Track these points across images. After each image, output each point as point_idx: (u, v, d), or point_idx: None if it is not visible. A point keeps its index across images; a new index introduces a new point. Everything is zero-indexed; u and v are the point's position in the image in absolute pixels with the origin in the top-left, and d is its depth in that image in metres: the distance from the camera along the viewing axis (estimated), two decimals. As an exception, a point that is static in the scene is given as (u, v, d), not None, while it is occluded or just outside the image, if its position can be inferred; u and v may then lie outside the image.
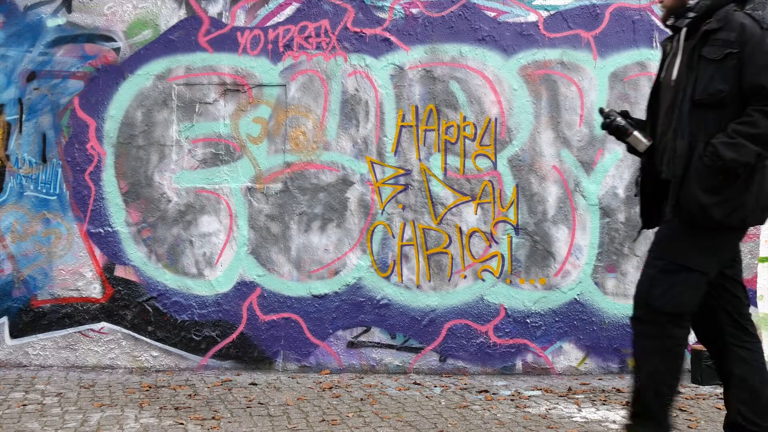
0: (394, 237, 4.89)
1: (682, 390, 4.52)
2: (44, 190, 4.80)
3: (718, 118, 2.90)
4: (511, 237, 4.94)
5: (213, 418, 3.71)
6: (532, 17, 4.95)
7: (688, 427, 3.75)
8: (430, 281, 4.90)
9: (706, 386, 4.65)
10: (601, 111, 3.23)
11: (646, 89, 4.99)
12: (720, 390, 4.54)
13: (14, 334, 4.77)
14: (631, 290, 4.95)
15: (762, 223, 3.11)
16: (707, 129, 2.90)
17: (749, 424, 3.00)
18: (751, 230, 4.99)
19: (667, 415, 3.05)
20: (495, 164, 4.92)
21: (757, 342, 3.10)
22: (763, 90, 2.84)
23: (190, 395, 4.16)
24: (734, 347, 3.06)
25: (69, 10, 4.82)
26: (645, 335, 3.03)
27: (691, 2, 3.03)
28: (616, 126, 3.16)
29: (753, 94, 2.86)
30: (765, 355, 3.12)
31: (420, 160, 4.91)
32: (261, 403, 4.02)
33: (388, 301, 4.89)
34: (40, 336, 4.78)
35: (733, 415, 3.06)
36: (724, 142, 2.85)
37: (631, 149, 3.23)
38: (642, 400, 3.04)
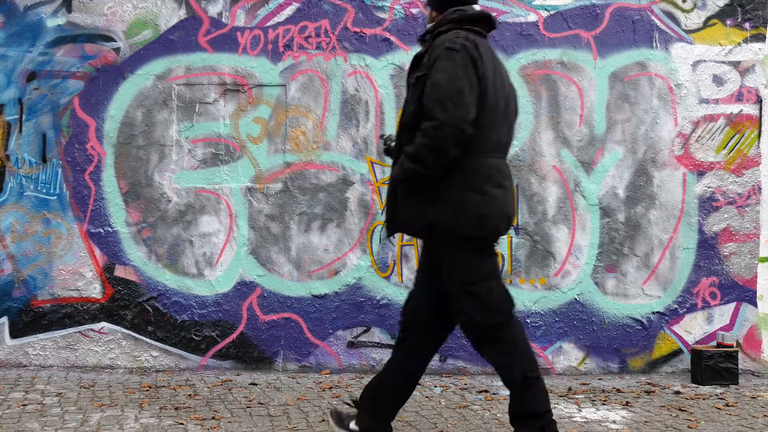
0: (393, 237, 4.89)
1: (682, 390, 4.52)
2: (44, 190, 4.80)
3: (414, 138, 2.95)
4: (511, 237, 4.94)
5: (213, 418, 3.71)
6: (532, 17, 4.95)
7: (689, 427, 3.75)
8: (430, 281, 4.89)
9: (706, 386, 4.65)
10: (381, 136, 3.33)
11: (646, 89, 4.99)
12: (720, 390, 4.55)
13: (14, 334, 4.77)
14: (631, 290, 4.97)
15: (415, 236, 3.25)
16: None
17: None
18: (751, 230, 5.00)
19: None
20: (495, 164, 4.92)
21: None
22: (428, 111, 2.86)
23: (190, 395, 4.16)
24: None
25: (69, 10, 4.82)
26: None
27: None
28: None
29: (424, 115, 2.89)
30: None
31: (420, 160, 4.90)
32: (261, 403, 4.02)
33: (388, 301, 4.89)
34: (40, 336, 4.78)
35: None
36: (398, 161, 2.99)
37: None
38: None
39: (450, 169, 2.90)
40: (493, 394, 4.36)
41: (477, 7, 3.08)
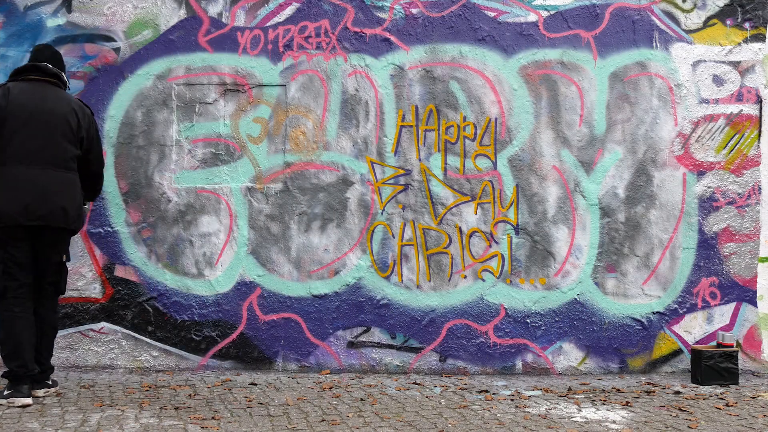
0: (394, 237, 4.89)
1: (682, 390, 4.52)
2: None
3: None
4: (511, 237, 4.94)
5: (213, 418, 3.71)
6: (532, 17, 4.95)
7: (689, 427, 3.75)
8: (430, 281, 4.90)
9: (706, 386, 4.65)
10: None
11: (646, 89, 4.99)
12: (720, 390, 4.55)
13: (14, 334, 4.76)
14: (632, 290, 4.97)
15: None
16: None
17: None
18: (751, 230, 5.00)
19: None
20: (495, 164, 4.93)
21: None
22: None
23: (190, 395, 4.16)
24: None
25: (69, 10, 4.82)
26: None
27: None
28: None
29: None
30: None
31: (420, 160, 4.91)
32: (261, 403, 4.02)
33: (388, 301, 4.89)
34: (40, 336, 4.77)
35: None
36: None
37: None
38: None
39: None
40: (493, 394, 4.36)
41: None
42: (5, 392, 3.86)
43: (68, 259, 4.22)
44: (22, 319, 3.93)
